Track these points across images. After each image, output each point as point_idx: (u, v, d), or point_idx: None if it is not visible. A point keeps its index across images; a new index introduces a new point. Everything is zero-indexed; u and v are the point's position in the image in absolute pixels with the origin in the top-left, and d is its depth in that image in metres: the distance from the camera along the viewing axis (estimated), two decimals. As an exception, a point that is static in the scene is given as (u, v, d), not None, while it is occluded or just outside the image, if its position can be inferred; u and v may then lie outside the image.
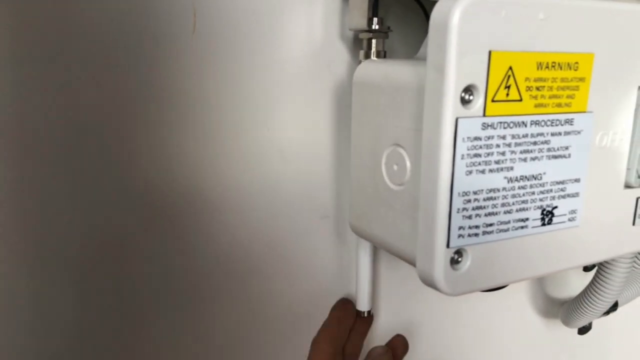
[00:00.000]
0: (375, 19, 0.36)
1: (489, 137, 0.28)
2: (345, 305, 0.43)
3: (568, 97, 0.30)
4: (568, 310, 0.52)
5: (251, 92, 0.37)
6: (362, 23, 0.36)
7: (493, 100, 0.27)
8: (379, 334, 0.47)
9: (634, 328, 0.64)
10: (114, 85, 0.34)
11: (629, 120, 0.33)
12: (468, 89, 0.27)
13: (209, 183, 0.38)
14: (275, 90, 0.38)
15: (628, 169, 0.34)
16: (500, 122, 0.28)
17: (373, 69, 0.34)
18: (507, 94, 0.28)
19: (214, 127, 0.37)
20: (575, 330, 0.57)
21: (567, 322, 0.53)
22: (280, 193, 0.40)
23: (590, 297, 0.47)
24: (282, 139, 0.39)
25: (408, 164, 0.31)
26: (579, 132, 0.31)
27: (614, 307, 0.53)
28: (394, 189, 0.32)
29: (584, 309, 0.49)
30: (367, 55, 0.36)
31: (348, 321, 0.42)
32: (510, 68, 0.28)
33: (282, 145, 0.39)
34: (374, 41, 0.36)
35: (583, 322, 0.52)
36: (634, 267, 0.50)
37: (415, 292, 0.47)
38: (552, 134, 0.30)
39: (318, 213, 0.41)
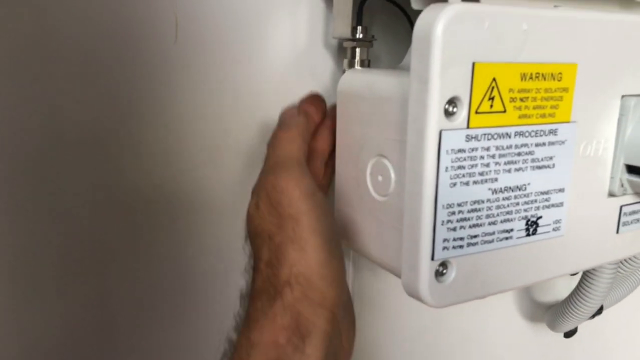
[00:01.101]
0: (359, 28, 0.36)
1: (473, 149, 0.28)
2: (315, 100, 0.36)
3: (552, 107, 0.30)
4: (554, 315, 0.52)
5: (234, 100, 0.37)
6: (346, 32, 0.35)
7: (477, 112, 0.27)
8: (367, 340, 0.46)
9: (619, 331, 0.65)
10: (97, 94, 0.33)
11: (612, 130, 0.33)
12: (452, 101, 0.27)
13: (193, 190, 0.37)
14: (258, 99, 0.38)
15: (611, 177, 0.34)
16: (484, 134, 0.28)
17: (357, 78, 0.33)
18: (491, 106, 0.28)
19: (198, 135, 0.37)
20: (561, 334, 0.57)
21: (552, 326, 0.53)
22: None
23: (575, 302, 0.48)
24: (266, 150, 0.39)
25: (392, 175, 0.31)
26: (563, 142, 0.31)
27: (599, 310, 0.54)
28: (379, 200, 0.32)
29: (569, 313, 0.49)
30: (351, 64, 0.36)
31: (317, 116, 0.36)
32: (494, 79, 0.28)
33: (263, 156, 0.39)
34: (358, 50, 0.36)
35: (569, 327, 0.52)
36: (618, 272, 0.50)
37: (400, 298, 0.47)
38: (537, 145, 0.30)
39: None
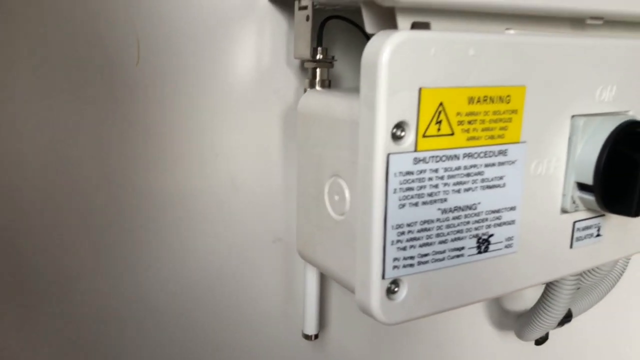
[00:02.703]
0: (319, 49, 0.36)
1: (421, 171, 0.29)
2: None
3: (501, 129, 0.31)
4: (520, 325, 0.53)
5: (198, 120, 0.38)
6: (306, 53, 0.36)
7: (424, 136, 0.28)
8: (333, 354, 0.47)
9: (591, 338, 0.66)
10: (58, 117, 0.34)
11: (563, 149, 0.34)
12: (399, 125, 0.27)
13: (156, 211, 0.38)
14: (222, 118, 0.39)
15: (563, 195, 0.35)
16: (433, 156, 0.29)
17: (315, 99, 0.34)
18: (439, 129, 0.29)
19: (161, 156, 0.37)
20: (532, 342, 0.58)
21: (520, 335, 0.54)
22: (231, 218, 0.40)
23: (539, 313, 0.49)
24: (232, 165, 0.39)
25: (347, 195, 0.32)
26: (513, 162, 0.32)
27: (569, 318, 0.55)
28: (336, 219, 0.33)
29: (534, 323, 0.50)
30: (312, 84, 0.37)
31: None
32: (441, 104, 0.28)
33: (232, 172, 0.39)
34: (318, 70, 0.37)
35: (534, 336, 0.53)
36: (580, 282, 0.51)
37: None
38: (486, 165, 0.31)
39: (270, 236, 0.42)
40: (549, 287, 0.46)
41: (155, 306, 0.40)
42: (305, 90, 0.37)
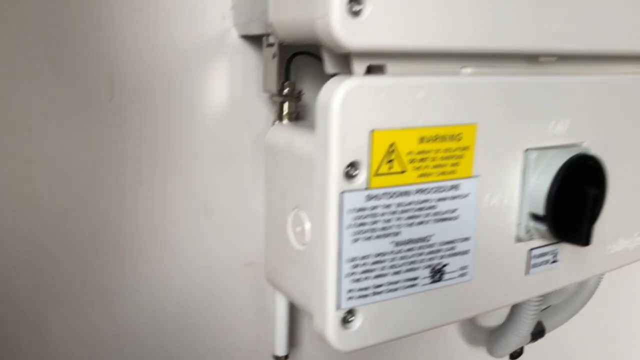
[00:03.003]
0: (287, 83, 0.38)
1: (374, 207, 0.30)
2: None
3: (453, 165, 0.32)
4: (491, 341, 0.55)
5: (171, 150, 0.39)
6: (273, 88, 0.38)
7: (377, 174, 0.30)
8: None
9: (563, 352, 0.67)
10: (32, 152, 0.36)
11: (516, 181, 0.35)
12: (352, 164, 0.29)
13: (131, 238, 0.39)
14: (195, 147, 0.40)
15: (518, 224, 0.36)
16: (385, 193, 0.30)
17: (280, 134, 0.36)
18: (391, 168, 0.30)
19: (135, 186, 0.39)
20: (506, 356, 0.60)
21: (491, 352, 0.56)
22: (203, 243, 0.42)
23: (506, 332, 0.50)
24: (205, 192, 0.41)
25: (308, 227, 0.33)
26: (465, 196, 0.33)
27: (541, 333, 0.56)
28: (298, 249, 0.35)
29: (503, 341, 0.52)
30: (280, 118, 0.39)
31: None
32: (393, 144, 0.30)
33: (205, 199, 0.41)
34: (285, 105, 0.38)
35: (505, 353, 0.55)
36: (548, 301, 0.53)
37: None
38: (439, 199, 0.32)
39: (242, 260, 0.43)
40: (514, 307, 0.48)
41: (131, 331, 0.41)
42: (273, 123, 0.39)
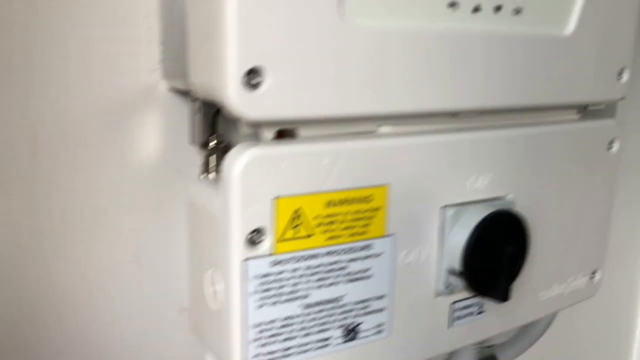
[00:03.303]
0: (212, 137, 0.38)
1: (280, 272, 0.31)
2: None
3: (363, 226, 0.33)
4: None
5: (101, 202, 0.40)
6: (198, 142, 0.38)
7: (282, 240, 0.30)
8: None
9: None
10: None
11: (433, 237, 0.36)
12: (256, 231, 0.29)
13: (61, 292, 0.39)
14: (125, 198, 0.40)
15: (437, 280, 0.36)
16: (292, 258, 0.31)
17: (199, 189, 0.36)
18: (297, 233, 0.31)
19: (61, 239, 0.39)
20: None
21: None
22: (136, 292, 0.42)
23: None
24: (136, 242, 0.41)
25: (221, 288, 0.33)
26: (378, 255, 0.34)
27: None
28: (213, 308, 0.35)
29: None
30: (206, 170, 0.39)
31: None
32: (298, 209, 0.30)
33: (136, 249, 0.41)
34: (210, 158, 0.39)
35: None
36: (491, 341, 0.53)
37: None
38: (350, 260, 0.33)
39: (175, 307, 0.44)
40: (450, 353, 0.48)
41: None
42: (199, 177, 0.39)
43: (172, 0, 0.37)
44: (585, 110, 0.44)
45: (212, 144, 0.39)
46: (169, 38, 0.37)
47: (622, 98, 0.45)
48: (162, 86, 0.40)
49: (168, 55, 0.40)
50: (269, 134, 0.31)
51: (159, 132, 0.41)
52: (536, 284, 0.42)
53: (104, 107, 0.39)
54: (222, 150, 0.39)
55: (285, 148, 0.30)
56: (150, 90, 0.40)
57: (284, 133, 0.32)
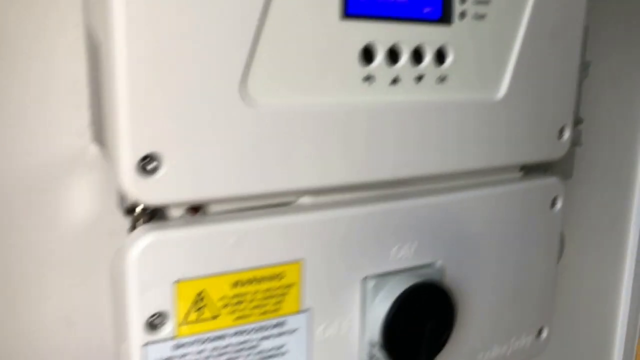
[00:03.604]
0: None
1: (183, 355, 0.30)
2: None
3: (276, 303, 0.32)
4: None
5: (30, 265, 0.39)
6: (124, 206, 0.38)
7: (185, 323, 0.30)
8: None
9: None
10: None
11: (355, 309, 0.35)
12: (157, 315, 0.29)
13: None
14: (56, 261, 0.40)
15: (360, 352, 0.36)
16: (196, 340, 0.30)
17: (114, 262, 0.36)
18: (201, 315, 0.30)
19: (-13, 304, 0.39)
20: None
21: None
22: (66, 354, 0.42)
23: None
24: (67, 305, 0.41)
25: None
26: (293, 331, 0.33)
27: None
28: (128, 382, 0.34)
29: None
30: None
31: None
32: (202, 292, 0.30)
33: (66, 312, 0.41)
34: (137, 223, 0.38)
35: None
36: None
37: None
38: (262, 338, 0.32)
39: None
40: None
41: None
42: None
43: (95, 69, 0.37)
44: (528, 167, 0.44)
45: (138, 209, 0.38)
46: (96, 103, 0.37)
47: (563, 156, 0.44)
48: (93, 149, 0.40)
49: (95, 120, 0.40)
50: (176, 212, 0.31)
51: (89, 195, 0.41)
52: (474, 346, 0.42)
53: (32, 172, 0.39)
54: (149, 216, 0.39)
55: (188, 230, 0.29)
56: (80, 153, 0.40)
57: (195, 208, 0.32)
